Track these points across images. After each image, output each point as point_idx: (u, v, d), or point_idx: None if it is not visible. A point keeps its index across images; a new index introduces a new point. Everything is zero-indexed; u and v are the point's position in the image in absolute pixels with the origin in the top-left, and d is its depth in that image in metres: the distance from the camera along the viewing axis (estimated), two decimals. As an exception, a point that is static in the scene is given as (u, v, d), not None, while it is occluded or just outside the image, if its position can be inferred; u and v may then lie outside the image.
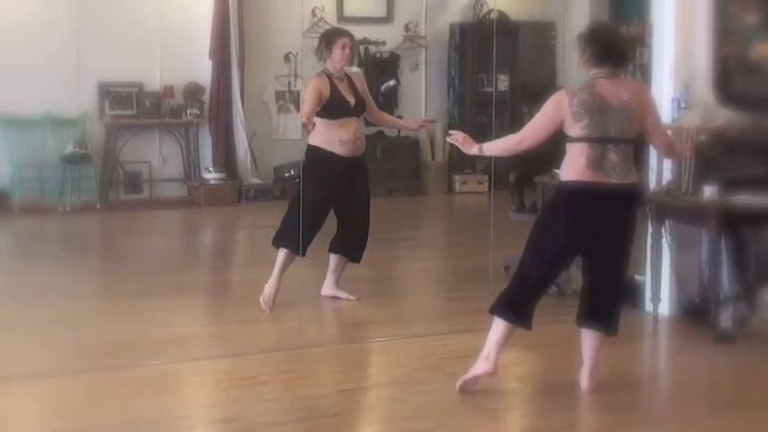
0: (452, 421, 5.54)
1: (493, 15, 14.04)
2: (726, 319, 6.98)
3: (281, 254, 7.82)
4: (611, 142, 5.73)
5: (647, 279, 7.59)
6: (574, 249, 5.94)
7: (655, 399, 6.09)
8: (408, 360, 6.68)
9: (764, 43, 8.20)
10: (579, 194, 5.80)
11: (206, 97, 13.44)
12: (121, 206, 12.85)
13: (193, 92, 13.33)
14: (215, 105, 13.40)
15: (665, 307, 7.52)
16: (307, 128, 7.46)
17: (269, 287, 7.77)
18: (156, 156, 13.37)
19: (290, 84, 13.85)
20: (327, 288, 8.08)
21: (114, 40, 12.83)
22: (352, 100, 7.79)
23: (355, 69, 8.18)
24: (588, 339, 6.01)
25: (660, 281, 7.50)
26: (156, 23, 13.13)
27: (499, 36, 12.89)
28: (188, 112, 13.26)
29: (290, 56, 13.69)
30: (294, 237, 7.72)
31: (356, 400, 5.97)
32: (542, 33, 15.18)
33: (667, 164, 7.47)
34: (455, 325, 7.45)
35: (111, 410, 5.63)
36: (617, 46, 5.91)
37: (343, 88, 7.78)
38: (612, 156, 5.74)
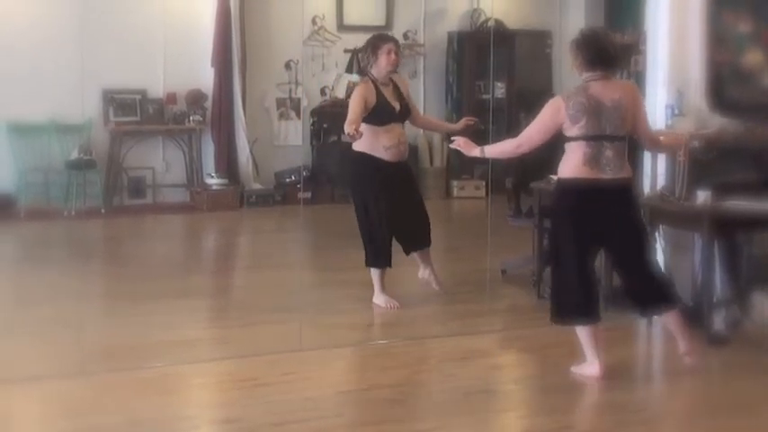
0: (451, 422, 5.53)
1: (490, 24, 14.05)
2: (719, 321, 6.98)
3: (373, 273, 7.90)
4: (606, 139, 5.98)
5: (642, 282, 7.58)
6: (587, 240, 6.09)
7: (649, 400, 6.09)
8: (408, 362, 6.68)
9: (757, 51, 8.21)
10: (577, 190, 6.04)
11: (208, 104, 13.44)
12: (125, 211, 12.84)
13: (196, 99, 13.33)
14: (217, 112, 13.40)
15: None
16: (354, 138, 7.42)
17: (381, 302, 7.88)
18: (160, 161, 13.37)
19: (290, 91, 13.86)
20: (422, 271, 8.20)
21: (118, 47, 12.83)
22: (397, 105, 7.74)
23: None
24: (670, 322, 6.33)
25: (654, 284, 7.49)
26: (160, 32, 13.13)
27: (496, 44, 12.89)
28: (191, 118, 13.27)
29: (291, 63, 13.70)
30: (375, 253, 7.80)
31: (356, 401, 5.96)
32: (538, 41, 15.18)
33: (661, 169, 7.48)
34: (454, 328, 7.45)
35: (115, 411, 5.63)
36: (607, 50, 6.12)
37: (388, 94, 7.72)
38: (608, 152, 5.99)
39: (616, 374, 6.25)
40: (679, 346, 6.31)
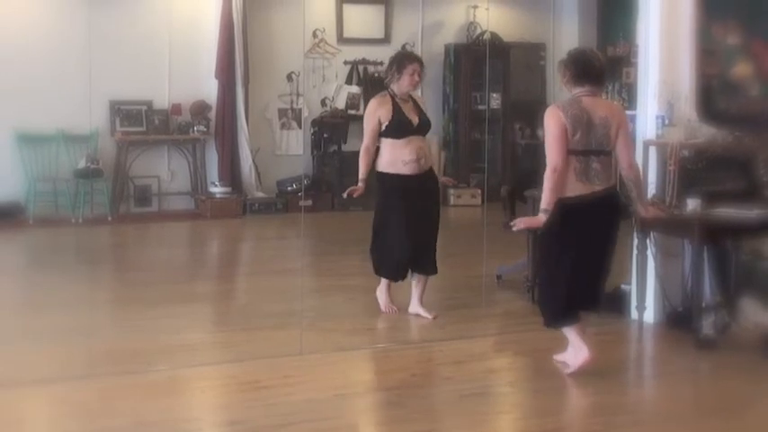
0: (448, 424, 5.54)
1: (486, 37, 14.08)
2: (708, 326, 6.98)
3: (383, 282, 7.87)
4: (593, 153, 6.04)
5: (633, 288, 7.59)
6: (581, 249, 6.12)
7: (640, 402, 6.10)
8: (406, 365, 6.68)
9: (745, 63, 8.23)
10: (575, 209, 6.03)
11: (212, 115, 13.46)
12: (132, 218, 12.85)
13: (200, 109, 13.34)
14: (221, 122, 13.42)
15: (649, 315, 7.52)
16: (353, 196, 7.57)
17: (382, 301, 7.87)
18: (165, 170, 13.39)
19: (292, 102, 13.88)
20: (413, 306, 7.86)
21: (125, 60, 12.87)
22: (415, 119, 7.65)
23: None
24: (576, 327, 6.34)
25: (645, 290, 7.50)
26: (165, 45, 13.16)
27: (492, 56, 12.94)
28: (195, 128, 13.28)
29: (293, 75, 13.73)
30: (388, 265, 7.77)
31: (355, 403, 5.96)
32: (533, 54, 15.22)
33: (652, 178, 7.49)
34: (451, 332, 7.45)
35: (122, 413, 5.63)
36: (593, 65, 6.18)
37: (407, 108, 7.65)
38: (595, 165, 6.05)
39: (607, 377, 6.26)
40: (568, 351, 6.37)
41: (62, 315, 7.79)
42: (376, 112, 7.61)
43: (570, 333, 6.29)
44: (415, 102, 7.76)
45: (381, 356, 6.96)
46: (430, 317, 7.77)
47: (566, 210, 6.04)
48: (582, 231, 6.07)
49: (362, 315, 7.90)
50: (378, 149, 7.63)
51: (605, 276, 6.36)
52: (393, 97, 7.64)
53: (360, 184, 7.63)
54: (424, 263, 7.80)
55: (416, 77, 7.65)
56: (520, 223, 6.35)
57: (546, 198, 6.09)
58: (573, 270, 6.13)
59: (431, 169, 7.77)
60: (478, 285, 8.46)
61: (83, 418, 5.62)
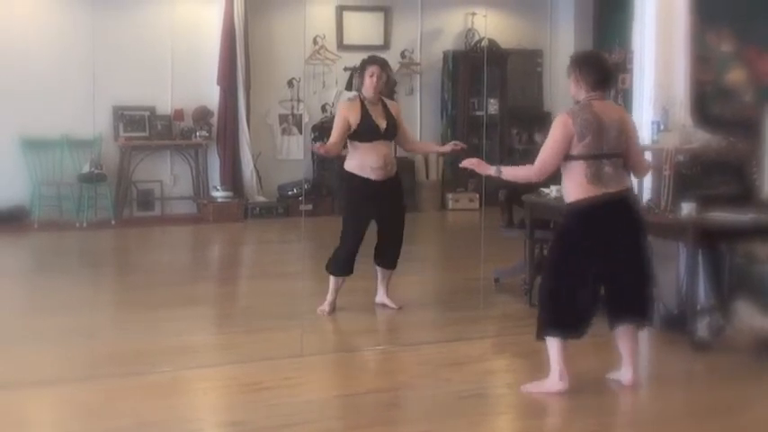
0: (446, 425, 5.53)
1: (483, 43, 14.07)
2: (702, 328, 6.97)
3: (331, 279, 7.93)
4: (605, 157, 5.89)
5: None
6: (593, 259, 5.93)
7: (636, 404, 6.08)
8: (405, 367, 6.68)
9: (739, 69, 8.24)
10: (589, 212, 5.89)
11: (214, 120, 13.47)
12: (135, 222, 12.86)
13: (202, 115, 13.35)
14: (222, 128, 13.43)
15: (645, 317, 7.51)
16: (320, 153, 7.55)
17: (327, 304, 7.90)
18: (168, 175, 13.39)
19: (292, 107, 13.89)
20: (379, 296, 8.11)
21: (128, 66, 12.89)
22: (383, 124, 7.72)
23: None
24: (624, 336, 6.15)
25: (641, 293, 7.49)
26: (168, 52, 13.18)
27: (489, 63, 12.92)
28: (197, 134, 13.29)
29: (293, 81, 13.75)
30: (341, 263, 7.85)
31: (355, 404, 5.95)
32: (530, 60, 15.23)
33: (647, 182, 7.49)
34: (449, 334, 7.44)
35: (125, 414, 5.62)
36: (610, 72, 6.10)
37: (375, 112, 7.72)
38: (608, 168, 5.89)
39: (604, 379, 6.24)
40: (621, 370, 6.17)
41: (66, 317, 7.79)
42: (346, 115, 7.70)
43: (557, 354, 5.99)
44: (385, 106, 7.82)
45: (381, 358, 6.96)
46: (395, 307, 7.99)
47: (581, 215, 5.90)
48: (603, 239, 5.89)
49: (362, 317, 7.90)
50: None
51: (648, 284, 6.10)
52: (363, 101, 7.72)
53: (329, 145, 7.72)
54: (387, 258, 7.98)
55: (375, 79, 7.73)
56: (468, 162, 6.25)
57: (508, 171, 6.19)
58: (595, 282, 5.93)
59: (396, 174, 7.88)
60: (476, 288, 8.45)
61: (86, 418, 5.61)
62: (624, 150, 5.97)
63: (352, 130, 7.67)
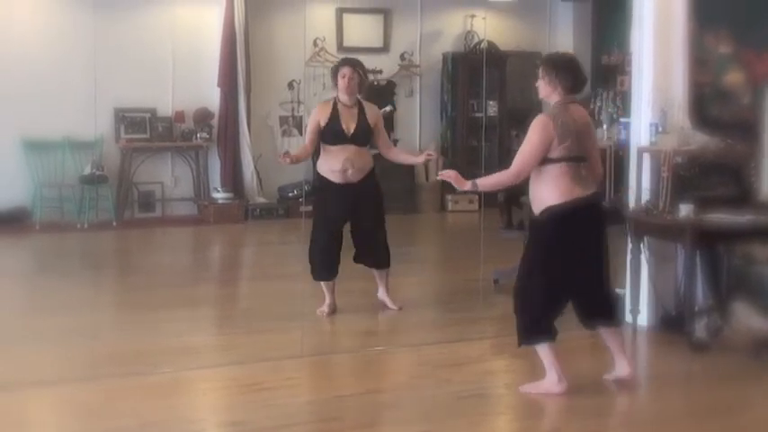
0: (446, 425, 5.53)
1: (483, 46, 14.09)
2: (700, 329, 6.98)
3: (323, 285, 7.91)
4: (582, 160, 5.92)
5: (627, 292, 7.58)
6: (569, 262, 5.92)
7: (634, 404, 6.09)
8: (404, 368, 6.69)
9: (737, 71, 8.24)
10: (570, 215, 5.86)
11: (215, 122, 13.46)
12: (136, 224, 12.85)
13: (203, 117, 13.35)
14: (223, 129, 13.43)
15: (643, 318, 7.52)
16: (285, 160, 7.53)
17: (326, 306, 7.87)
18: (169, 177, 13.38)
19: (293, 109, 13.88)
20: (379, 293, 8.09)
21: (129, 68, 12.88)
22: (351, 127, 7.67)
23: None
24: (606, 333, 6.18)
25: (639, 294, 7.50)
26: (169, 54, 13.17)
27: (488, 65, 12.92)
28: (198, 135, 13.28)
29: (294, 83, 13.74)
30: (318, 266, 7.83)
31: (355, 405, 5.95)
32: (529, 62, 15.04)
33: (646, 183, 7.49)
34: (448, 334, 7.45)
35: (126, 415, 5.63)
36: (584, 76, 6.11)
37: (347, 115, 7.68)
38: (583, 171, 5.92)
39: (601, 380, 6.24)
40: (616, 367, 6.18)
41: (67, 317, 7.79)
42: (317, 116, 7.73)
43: (548, 357, 5.97)
44: (362, 110, 7.77)
45: (381, 358, 6.96)
46: (395, 308, 7.98)
47: (562, 218, 5.85)
48: (573, 240, 5.88)
49: (362, 318, 7.90)
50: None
51: (609, 284, 6.17)
52: (336, 103, 7.72)
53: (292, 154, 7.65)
54: (371, 258, 7.94)
55: (346, 80, 7.73)
56: (445, 174, 6.14)
57: (484, 182, 6.18)
58: (563, 283, 5.93)
59: (367, 176, 7.76)
60: (476, 289, 8.45)
61: (86, 418, 5.62)
62: (590, 153, 6.01)
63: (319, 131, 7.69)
